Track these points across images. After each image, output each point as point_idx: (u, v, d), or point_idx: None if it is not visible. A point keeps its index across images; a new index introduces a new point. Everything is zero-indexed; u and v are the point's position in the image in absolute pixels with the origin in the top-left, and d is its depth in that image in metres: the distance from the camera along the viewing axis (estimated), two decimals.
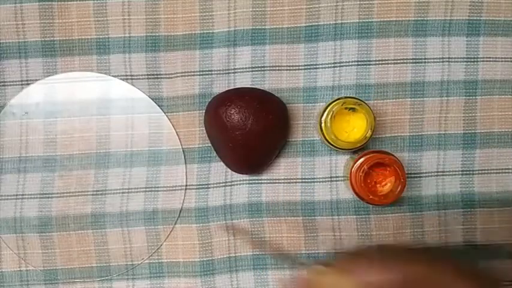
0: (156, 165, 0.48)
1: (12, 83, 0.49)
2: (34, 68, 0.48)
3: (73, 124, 0.49)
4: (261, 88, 0.48)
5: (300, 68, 0.48)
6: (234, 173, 0.48)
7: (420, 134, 0.48)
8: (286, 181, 0.48)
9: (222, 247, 0.48)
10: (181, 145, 0.48)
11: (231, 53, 0.48)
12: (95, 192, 0.48)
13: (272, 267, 0.48)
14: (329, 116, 0.43)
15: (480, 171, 0.48)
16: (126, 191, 0.48)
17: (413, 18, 0.48)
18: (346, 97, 0.43)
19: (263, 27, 0.48)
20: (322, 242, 0.48)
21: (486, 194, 0.48)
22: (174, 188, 0.48)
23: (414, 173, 0.48)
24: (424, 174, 0.48)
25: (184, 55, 0.48)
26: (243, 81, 0.48)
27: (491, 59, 0.48)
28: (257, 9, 0.48)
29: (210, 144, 0.48)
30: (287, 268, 0.48)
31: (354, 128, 0.44)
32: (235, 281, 0.48)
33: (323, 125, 0.44)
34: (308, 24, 0.48)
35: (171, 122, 0.48)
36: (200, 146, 0.48)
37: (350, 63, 0.48)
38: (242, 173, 0.48)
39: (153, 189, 0.48)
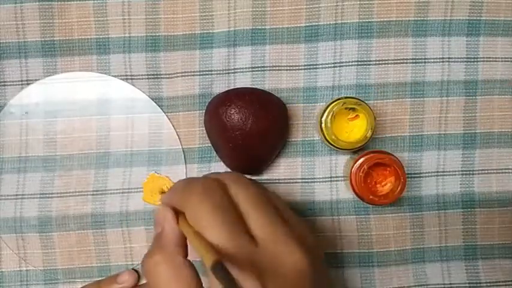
0: (156, 165, 0.48)
1: (12, 83, 0.49)
2: (34, 68, 0.48)
3: (73, 124, 0.49)
4: (261, 88, 0.48)
5: (300, 68, 0.48)
6: None
7: (420, 134, 0.48)
8: (286, 181, 0.48)
9: None
10: (181, 145, 0.48)
11: (231, 53, 0.48)
12: (94, 192, 0.48)
13: None
14: (329, 116, 0.43)
15: (480, 171, 0.48)
16: (126, 191, 0.48)
17: (413, 18, 0.48)
18: (346, 97, 0.43)
19: (263, 27, 0.48)
20: (322, 242, 0.48)
21: (486, 194, 0.48)
22: None
23: (414, 173, 0.48)
24: (424, 174, 0.48)
25: (184, 55, 0.48)
26: (243, 81, 0.48)
27: (491, 59, 0.48)
28: (257, 9, 0.48)
29: (210, 144, 0.48)
30: None
31: (354, 128, 0.44)
32: None
33: (323, 125, 0.44)
34: (308, 24, 0.48)
35: (171, 122, 0.48)
36: (200, 146, 0.48)
37: (350, 63, 0.48)
38: (242, 173, 0.48)
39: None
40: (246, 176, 0.48)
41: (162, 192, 0.48)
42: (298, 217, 0.35)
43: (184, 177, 0.48)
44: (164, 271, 0.30)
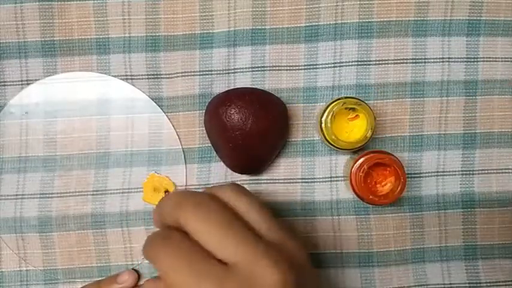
0: (156, 165, 0.48)
1: (12, 83, 0.49)
2: (34, 68, 0.48)
3: (73, 124, 0.49)
4: (261, 88, 0.48)
5: (300, 68, 0.48)
6: (234, 173, 0.48)
7: (420, 134, 0.48)
8: (286, 181, 0.48)
9: None
10: (181, 145, 0.48)
11: (231, 53, 0.48)
12: (94, 192, 0.48)
13: None
14: (329, 116, 0.43)
15: (480, 171, 0.48)
16: (126, 191, 0.48)
17: (413, 18, 0.48)
18: (346, 97, 0.43)
19: (263, 27, 0.48)
20: (322, 242, 0.48)
21: (486, 194, 0.48)
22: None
23: (414, 173, 0.48)
24: (424, 174, 0.48)
25: (184, 55, 0.48)
26: (243, 81, 0.48)
27: (491, 59, 0.48)
28: (257, 9, 0.48)
29: (210, 144, 0.48)
30: None
31: (354, 128, 0.44)
32: None
33: (323, 125, 0.44)
34: (308, 24, 0.48)
35: (171, 122, 0.48)
36: (200, 146, 0.48)
37: (350, 63, 0.48)
38: (242, 173, 0.48)
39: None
40: (247, 175, 0.48)
41: (166, 191, 0.48)
42: (278, 224, 0.34)
43: (184, 177, 0.48)
44: None
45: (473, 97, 0.48)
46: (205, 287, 0.28)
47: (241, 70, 0.48)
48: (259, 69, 0.48)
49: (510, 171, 0.49)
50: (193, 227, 0.30)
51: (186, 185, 0.48)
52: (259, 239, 0.31)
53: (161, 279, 0.31)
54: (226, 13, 0.48)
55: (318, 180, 0.48)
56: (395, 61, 0.48)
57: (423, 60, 0.48)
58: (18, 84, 0.49)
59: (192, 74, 0.48)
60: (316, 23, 0.48)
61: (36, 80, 0.48)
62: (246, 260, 0.29)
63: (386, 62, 0.48)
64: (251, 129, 0.43)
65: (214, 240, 0.30)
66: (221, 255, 0.30)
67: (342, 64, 0.48)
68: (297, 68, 0.48)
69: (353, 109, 0.43)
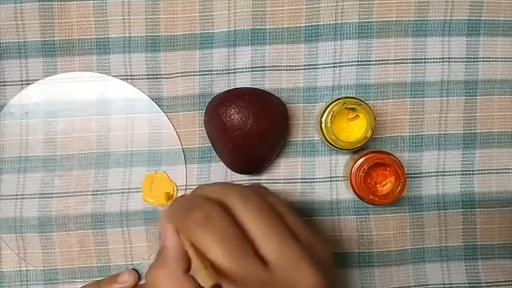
0: (156, 165, 0.48)
1: (12, 83, 0.49)
2: (34, 68, 0.48)
3: (73, 124, 0.49)
4: (261, 88, 0.48)
5: (300, 68, 0.48)
6: (234, 173, 0.48)
7: (420, 134, 0.48)
8: (286, 181, 0.48)
9: None
10: (181, 145, 0.48)
11: (231, 53, 0.48)
12: (94, 192, 0.48)
13: None
14: (329, 116, 0.43)
15: (480, 171, 0.48)
16: (126, 191, 0.48)
17: (413, 18, 0.48)
18: (346, 97, 0.43)
19: (263, 27, 0.48)
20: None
21: (486, 194, 0.48)
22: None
23: (414, 173, 0.48)
24: (424, 174, 0.48)
25: (184, 55, 0.48)
26: (243, 81, 0.48)
27: (491, 59, 0.48)
28: (257, 9, 0.48)
29: (210, 144, 0.48)
30: None
31: (354, 128, 0.44)
32: None
33: (323, 125, 0.44)
34: (308, 24, 0.48)
35: (171, 122, 0.48)
36: (200, 146, 0.48)
37: (350, 63, 0.48)
38: (242, 173, 0.48)
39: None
40: (247, 175, 0.48)
41: (169, 198, 0.47)
42: (308, 226, 0.34)
43: (184, 177, 0.48)
44: (165, 286, 0.31)
45: (473, 97, 0.48)
46: (248, 280, 0.28)
47: (241, 70, 0.48)
48: (259, 69, 0.48)
49: (510, 171, 0.49)
50: (241, 213, 0.31)
51: (186, 185, 0.48)
52: (299, 242, 0.31)
53: (191, 246, 0.30)
54: (226, 13, 0.48)
55: (318, 180, 0.48)
56: (395, 61, 0.48)
57: (423, 60, 0.48)
58: (18, 84, 0.49)
59: (192, 74, 0.48)
60: (316, 23, 0.48)
61: (36, 80, 0.48)
62: (287, 262, 0.30)
63: (387, 62, 0.48)
64: (251, 129, 0.43)
65: (261, 233, 0.30)
66: (264, 249, 0.30)
67: (342, 64, 0.48)
68: (297, 68, 0.48)
69: (353, 109, 0.43)
